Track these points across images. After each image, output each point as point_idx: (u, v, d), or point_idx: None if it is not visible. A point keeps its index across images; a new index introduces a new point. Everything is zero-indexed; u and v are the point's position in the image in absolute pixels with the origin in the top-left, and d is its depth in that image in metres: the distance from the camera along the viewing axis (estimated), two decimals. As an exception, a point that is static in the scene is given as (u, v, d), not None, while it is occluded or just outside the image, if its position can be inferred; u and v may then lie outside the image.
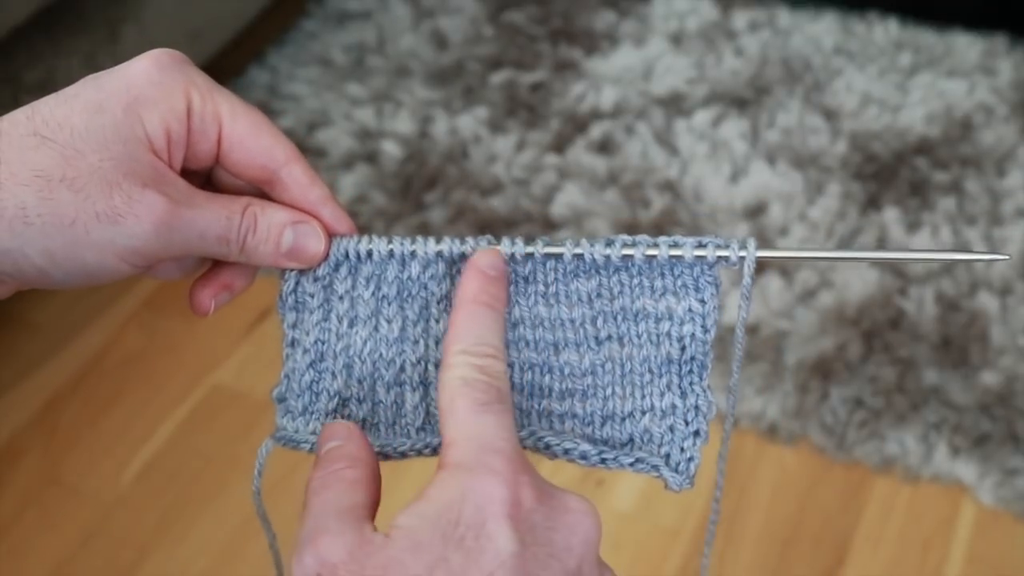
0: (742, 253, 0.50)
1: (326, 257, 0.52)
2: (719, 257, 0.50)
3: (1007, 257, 0.51)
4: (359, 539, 0.43)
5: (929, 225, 1.51)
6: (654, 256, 0.51)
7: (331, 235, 0.52)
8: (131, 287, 1.49)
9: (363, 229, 1.77)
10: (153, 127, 0.48)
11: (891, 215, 1.52)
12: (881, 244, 1.49)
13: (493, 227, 1.50)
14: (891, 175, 1.58)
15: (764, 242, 1.49)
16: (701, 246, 0.50)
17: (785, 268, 1.45)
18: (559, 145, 1.64)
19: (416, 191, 1.58)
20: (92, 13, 1.45)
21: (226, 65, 1.71)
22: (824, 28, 1.82)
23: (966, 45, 1.78)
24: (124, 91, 0.48)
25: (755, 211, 1.53)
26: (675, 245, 0.51)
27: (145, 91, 0.48)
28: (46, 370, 1.41)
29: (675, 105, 1.70)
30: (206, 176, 0.53)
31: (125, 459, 1.32)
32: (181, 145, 0.49)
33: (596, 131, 1.66)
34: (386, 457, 0.52)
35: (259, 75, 1.77)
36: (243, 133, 0.50)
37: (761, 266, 1.47)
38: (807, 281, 1.44)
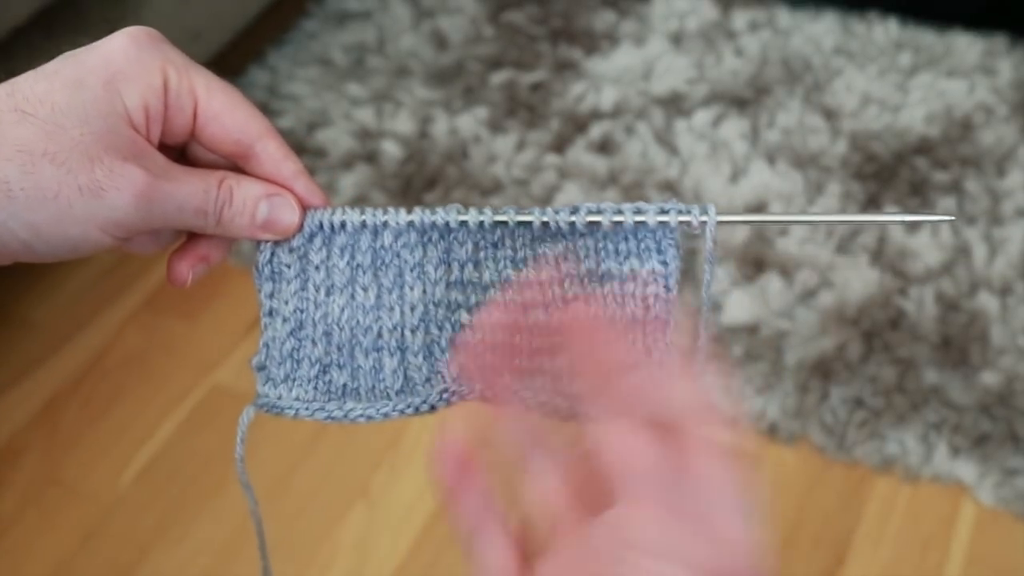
0: (703, 218, 0.52)
1: (300, 229, 0.54)
2: (681, 222, 0.52)
3: (952, 219, 0.53)
4: None
5: (929, 225, 1.51)
6: (620, 223, 0.53)
7: (305, 208, 0.54)
8: (131, 287, 1.49)
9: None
10: (133, 102, 0.49)
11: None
12: (881, 244, 1.49)
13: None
14: (891, 175, 1.58)
15: (764, 241, 1.49)
16: (664, 212, 0.52)
17: (785, 268, 1.45)
18: (559, 145, 1.64)
19: (416, 191, 1.58)
20: (92, 13, 1.45)
21: (226, 65, 1.71)
22: (824, 28, 1.82)
23: (966, 45, 1.78)
24: (103, 67, 0.50)
25: (755, 211, 1.53)
26: (639, 211, 0.52)
27: (124, 67, 0.50)
28: (46, 369, 1.41)
29: (675, 105, 1.70)
30: (181, 151, 0.54)
31: (125, 459, 1.32)
32: (159, 120, 0.50)
33: (596, 131, 1.66)
34: (369, 419, 0.54)
35: (259, 75, 1.77)
36: (218, 108, 0.52)
37: (761, 265, 1.47)
38: (807, 281, 1.44)
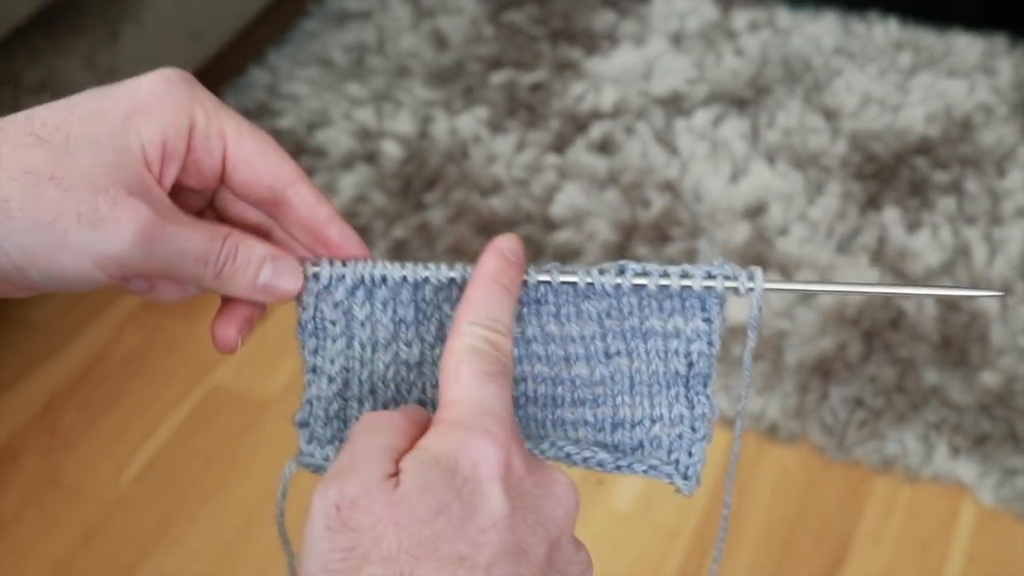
0: (750, 285, 0.53)
1: (300, 294, 0.53)
2: (727, 288, 0.53)
3: (1001, 294, 0.54)
4: (378, 477, 0.43)
5: (929, 225, 1.51)
6: (665, 287, 0.53)
7: (345, 258, 0.53)
8: (131, 287, 1.50)
9: (363, 229, 1.76)
10: (149, 138, 0.48)
11: (891, 215, 1.52)
12: (881, 244, 1.49)
13: (493, 227, 1.50)
14: (891, 175, 1.58)
15: (764, 241, 1.49)
16: (711, 277, 0.53)
17: (785, 268, 1.45)
18: (559, 145, 1.64)
19: (416, 191, 1.58)
20: (92, 13, 1.44)
21: (226, 65, 1.71)
22: (824, 28, 1.82)
23: (966, 45, 1.78)
24: (126, 102, 0.48)
25: (755, 211, 1.53)
26: (685, 275, 0.53)
27: (148, 103, 0.49)
28: (46, 370, 1.41)
29: (675, 105, 1.70)
30: (209, 199, 0.53)
31: (125, 459, 1.32)
32: (176, 160, 0.49)
33: (596, 131, 1.66)
34: None
35: (259, 75, 1.77)
36: (249, 152, 0.50)
37: (761, 265, 1.46)
38: (807, 281, 1.44)
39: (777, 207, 1.53)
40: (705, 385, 0.55)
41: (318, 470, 0.55)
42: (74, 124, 0.47)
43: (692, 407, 0.55)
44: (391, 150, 1.64)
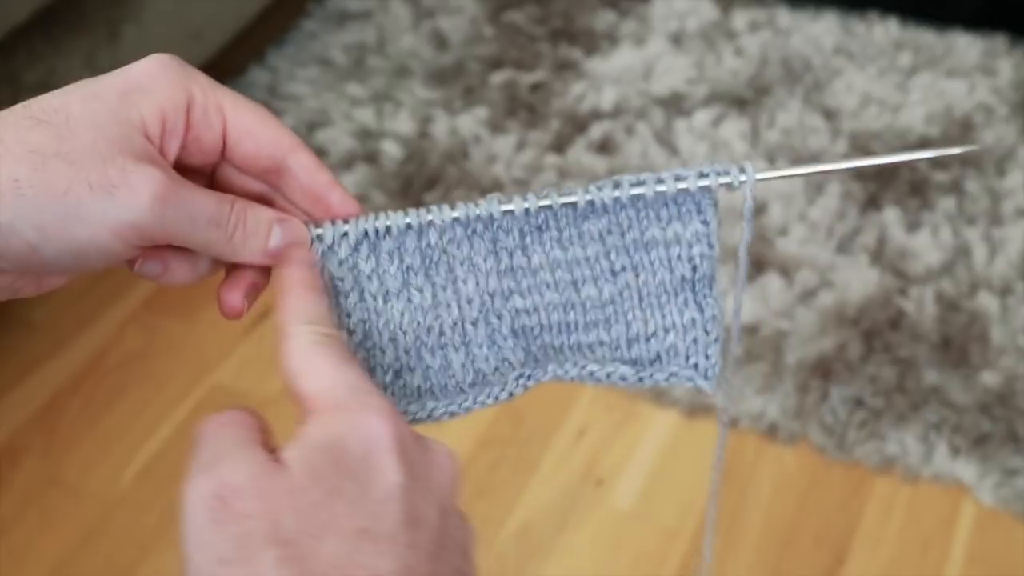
0: (743, 178, 0.54)
1: (308, 256, 0.53)
2: (721, 184, 0.54)
3: (976, 147, 0.55)
4: (260, 466, 0.44)
5: (929, 225, 1.51)
6: (662, 192, 0.54)
7: (346, 217, 0.54)
8: (131, 287, 1.50)
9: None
10: (148, 112, 0.49)
11: (891, 215, 1.52)
12: (881, 244, 1.49)
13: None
14: (891, 175, 1.58)
15: (764, 241, 1.49)
16: (704, 175, 0.54)
17: (785, 268, 1.45)
18: (559, 145, 1.64)
19: (416, 191, 1.58)
20: (92, 13, 1.45)
21: (226, 65, 1.71)
22: (824, 28, 1.82)
23: (966, 45, 1.78)
24: (122, 83, 0.49)
25: (755, 211, 1.53)
26: (680, 179, 0.54)
27: (143, 83, 0.49)
28: (46, 370, 1.41)
29: (675, 105, 1.70)
30: (210, 174, 0.54)
31: (125, 459, 1.32)
32: (176, 135, 0.50)
33: (596, 131, 1.66)
34: (452, 415, 0.55)
35: (259, 75, 1.77)
36: (249, 123, 0.51)
37: (761, 265, 1.47)
38: (807, 281, 1.44)
39: (777, 207, 1.53)
40: (711, 287, 0.56)
41: None
42: (72, 105, 0.48)
43: (702, 310, 0.56)
44: (391, 150, 1.64)
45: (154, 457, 1.32)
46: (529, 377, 0.54)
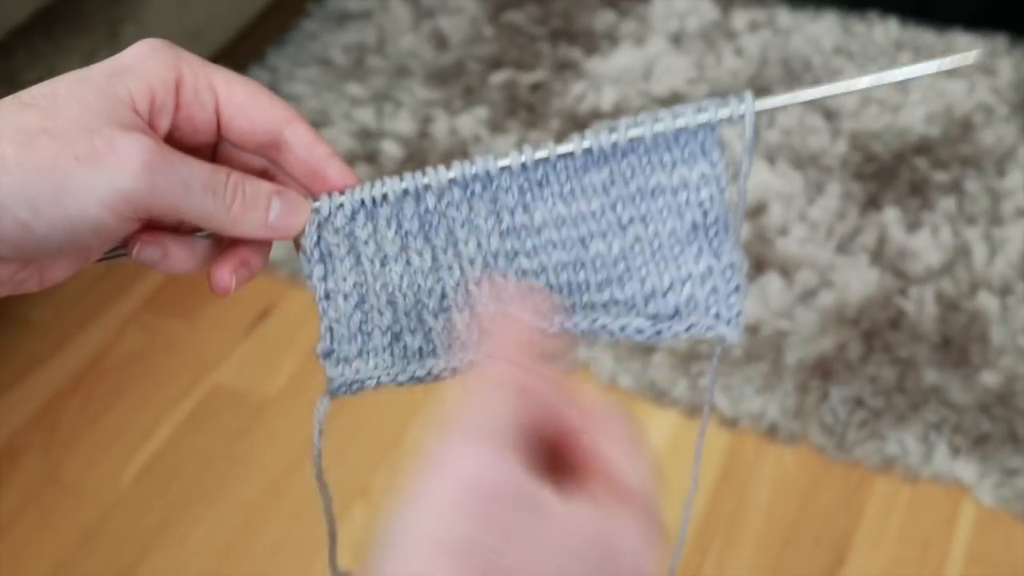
0: (742, 108, 0.52)
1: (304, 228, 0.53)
2: (721, 117, 0.52)
3: (974, 54, 0.53)
4: (525, 480, 0.40)
5: (929, 225, 1.51)
6: (660, 132, 0.52)
7: (343, 187, 0.53)
8: (131, 286, 1.50)
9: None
10: (136, 88, 0.48)
11: (891, 215, 1.52)
12: (881, 244, 1.49)
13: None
14: (891, 175, 1.58)
15: (764, 241, 1.49)
16: (701, 111, 0.52)
17: (785, 268, 1.45)
18: (559, 145, 1.64)
19: (416, 191, 1.58)
20: (92, 13, 1.45)
21: (226, 65, 1.71)
22: (824, 28, 1.82)
23: (966, 45, 1.78)
24: (110, 64, 0.49)
25: (755, 211, 1.53)
26: (677, 115, 0.52)
27: (131, 63, 0.49)
28: (46, 369, 1.41)
29: (675, 105, 1.70)
30: (211, 154, 0.54)
31: (125, 459, 1.32)
32: (166, 113, 0.50)
33: (596, 131, 1.65)
34: (455, 371, 0.53)
35: (259, 75, 1.77)
36: (241, 99, 0.51)
37: (761, 265, 1.47)
38: (807, 281, 1.44)
39: (777, 207, 1.53)
40: (726, 231, 0.53)
41: (355, 388, 0.54)
42: (60, 89, 0.48)
43: (718, 257, 0.53)
44: (391, 150, 1.64)
45: (154, 457, 1.32)
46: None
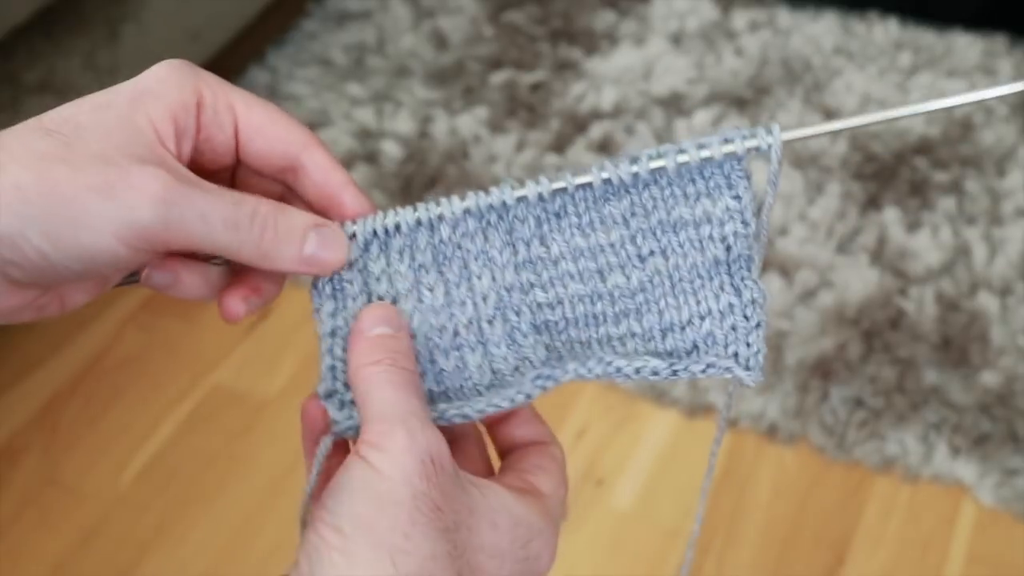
0: (769, 140, 0.50)
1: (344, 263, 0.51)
2: (748, 149, 0.50)
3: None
4: (450, 460, 0.47)
5: (929, 225, 1.51)
6: (685, 163, 0.50)
7: (354, 218, 0.52)
8: (130, 288, 1.49)
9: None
10: (159, 115, 0.48)
11: (891, 215, 1.52)
12: (881, 244, 1.49)
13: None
14: (891, 175, 1.58)
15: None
16: (728, 141, 0.50)
17: (785, 268, 1.45)
18: (559, 145, 1.64)
19: (416, 191, 1.58)
20: (92, 13, 1.45)
21: (226, 65, 1.71)
22: (824, 28, 1.82)
23: (966, 45, 1.78)
24: (131, 89, 0.49)
25: (755, 211, 1.53)
26: (702, 146, 0.50)
27: (152, 87, 0.49)
28: (46, 370, 1.41)
29: (675, 105, 1.70)
30: (229, 179, 0.53)
31: (125, 459, 1.32)
32: (189, 136, 0.49)
33: (596, 131, 1.66)
34: (466, 418, 0.51)
35: (259, 75, 1.77)
36: (260, 121, 0.50)
37: (761, 266, 1.47)
38: (807, 281, 1.44)
39: (777, 207, 1.53)
40: (748, 268, 0.51)
41: (358, 432, 0.51)
42: (82, 116, 0.47)
43: (739, 294, 0.52)
44: (391, 150, 1.64)
45: (153, 457, 1.32)
46: (548, 378, 0.50)
